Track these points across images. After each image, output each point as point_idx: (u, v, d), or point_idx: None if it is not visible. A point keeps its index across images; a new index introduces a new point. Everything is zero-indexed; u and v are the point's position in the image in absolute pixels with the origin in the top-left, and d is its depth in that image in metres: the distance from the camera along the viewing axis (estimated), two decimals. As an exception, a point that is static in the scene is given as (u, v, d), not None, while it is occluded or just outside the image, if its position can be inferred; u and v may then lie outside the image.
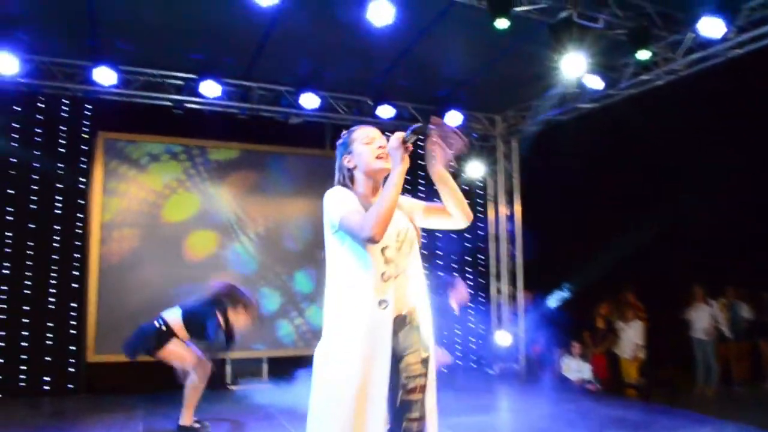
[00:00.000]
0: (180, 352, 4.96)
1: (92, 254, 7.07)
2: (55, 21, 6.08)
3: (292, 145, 8.17)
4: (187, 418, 5.03)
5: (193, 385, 5.01)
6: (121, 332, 5.57)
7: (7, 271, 6.72)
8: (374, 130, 2.58)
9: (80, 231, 7.07)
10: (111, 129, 7.34)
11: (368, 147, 2.51)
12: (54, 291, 6.88)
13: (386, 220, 2.28)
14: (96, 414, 5.87)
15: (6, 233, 6.76)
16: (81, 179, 7.16)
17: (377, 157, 2.48)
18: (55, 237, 6.96)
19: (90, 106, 7.23)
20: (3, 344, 6.63)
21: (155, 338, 4.90)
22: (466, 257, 8.90)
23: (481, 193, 9.24)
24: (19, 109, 6.92)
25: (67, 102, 7.15)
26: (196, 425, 5.07)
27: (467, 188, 8.97)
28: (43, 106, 7.04)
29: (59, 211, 7.01)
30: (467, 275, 8.77)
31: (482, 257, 9.05)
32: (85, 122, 7.24)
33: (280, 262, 7.96)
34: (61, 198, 7.03)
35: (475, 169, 8.89)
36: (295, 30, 6.21)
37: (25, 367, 6.68)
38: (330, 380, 2.29)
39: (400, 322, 2.42)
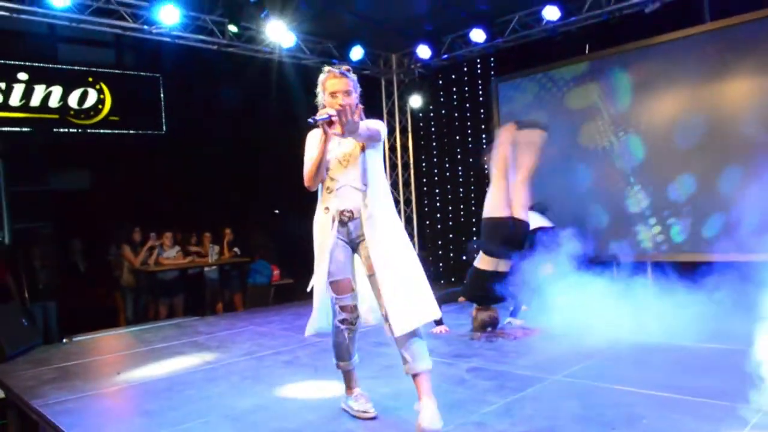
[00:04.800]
0: None
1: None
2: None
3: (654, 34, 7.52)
4: None
5: None
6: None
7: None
8: (341, 84, 3.13)
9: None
10: (503, 73, 9.17)
11: (331, 100, 3.12)
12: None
13: (311, 177, 3.13)
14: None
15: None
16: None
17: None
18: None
19: (492, 59, 9.30)
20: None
21: None
22: None
23: None
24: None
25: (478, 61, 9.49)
26: None
27: None
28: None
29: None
30: None
31: None
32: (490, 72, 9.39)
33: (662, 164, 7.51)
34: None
35: None
36: None
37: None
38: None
39: (347, 219, 3.18)
